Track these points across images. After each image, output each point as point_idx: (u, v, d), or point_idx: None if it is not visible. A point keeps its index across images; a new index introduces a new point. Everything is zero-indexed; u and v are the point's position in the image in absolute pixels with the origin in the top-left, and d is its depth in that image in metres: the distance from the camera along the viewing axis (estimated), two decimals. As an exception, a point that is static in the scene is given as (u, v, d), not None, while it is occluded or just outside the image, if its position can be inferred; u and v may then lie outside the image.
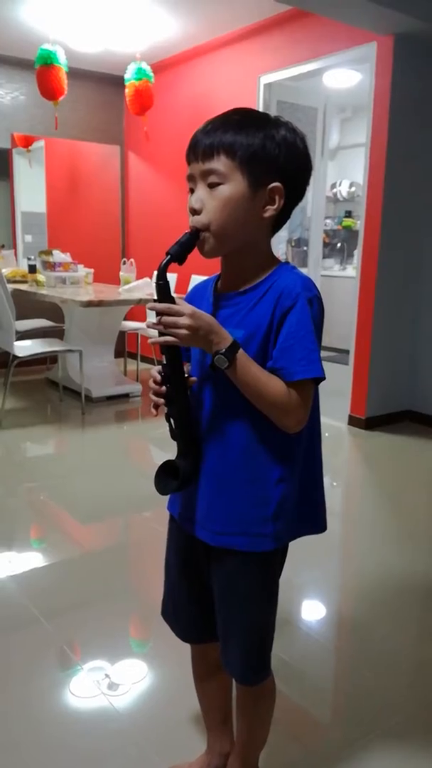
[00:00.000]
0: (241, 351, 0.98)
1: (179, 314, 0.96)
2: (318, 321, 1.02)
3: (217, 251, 1.03)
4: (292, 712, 1.61)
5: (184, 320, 0.96)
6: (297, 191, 1.05)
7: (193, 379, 1.07)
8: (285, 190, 1.01)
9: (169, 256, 0.99)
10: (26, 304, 4.65)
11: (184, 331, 0.96)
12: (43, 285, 4.76)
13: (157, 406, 1.06)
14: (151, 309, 0.98)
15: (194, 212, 1.01)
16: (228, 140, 0.97)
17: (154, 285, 1.00)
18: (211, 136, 0.98)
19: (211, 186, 0.99)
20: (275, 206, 1.02)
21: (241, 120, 1.00)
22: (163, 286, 0.98)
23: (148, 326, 1.00)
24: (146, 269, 5.15)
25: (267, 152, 0.99)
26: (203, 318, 0.97)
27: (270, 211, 1.02)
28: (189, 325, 0.96)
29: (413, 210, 3.97)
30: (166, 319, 0.96)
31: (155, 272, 1.00)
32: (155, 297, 0.99)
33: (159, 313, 0.97)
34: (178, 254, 0.99)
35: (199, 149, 0.99)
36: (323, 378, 1.01)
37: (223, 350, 0.96)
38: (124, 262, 5.13)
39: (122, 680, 1.71)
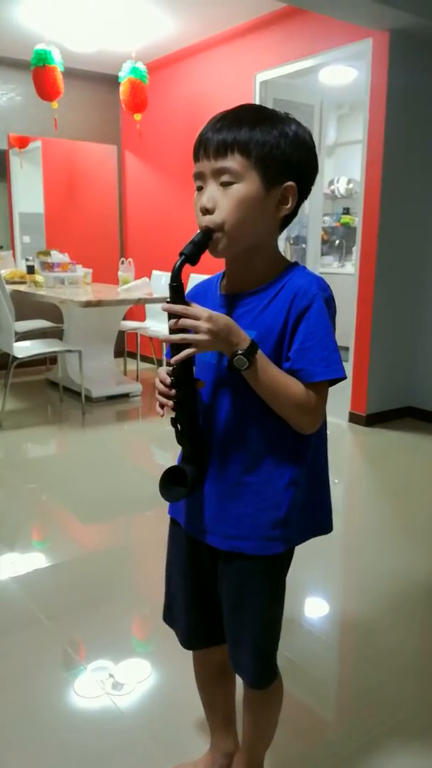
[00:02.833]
0: (260, 352, 0.96)
1: (197, 317, 0.93)
2: (334, 321, 1.01)
3: (230, 251, 1.01)
4: (296, 710, 1.61)
5: (203, 324, 0.93)
6: (306, 190, 1.03)
7: (202, 382, 1.04)
8: (297, 189, 1.00)
9: (183, 257, 0.95)
10: (25, 305, 4.65)
11: (204, 337, 0.93)
12: (42, 286, 4.76)
13: (163, 406, 1.03)
14: (167, 310, 0.95)
15: (206, 211, 0.98)
16: (243, 138, 0.94)
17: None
18: (223, 133, 0.95)
19: (224, 185, 0.96)
20: (288, 205, 1.00)
21: (254, 117, 0.97)
22: (177, 288, 0.95)
23: (169, 331, 0.97)
24: (144, 269, 5.15)
25: (282, 151, 0.96)
26: (221, 320, 0.95)
27: (284, 210, 1.00)
28: (209, 329, 0.93)
29: (411, 206, 3.96)
30: (186, 321, 0.93)
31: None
32: (167, 299, 0.96)
33: (174, 316, 0.94)
34: (193, 254, 0.96)
35: (211, 146, 0.96)
36: (344, 378, 0.99)
37: (242, 351, 0.94)
38: (123, 262, 5.12)
39: (126, 680, 1.71)
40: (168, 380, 1.01)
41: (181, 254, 0.96)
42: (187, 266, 0.97)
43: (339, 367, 0.98)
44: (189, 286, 1.06)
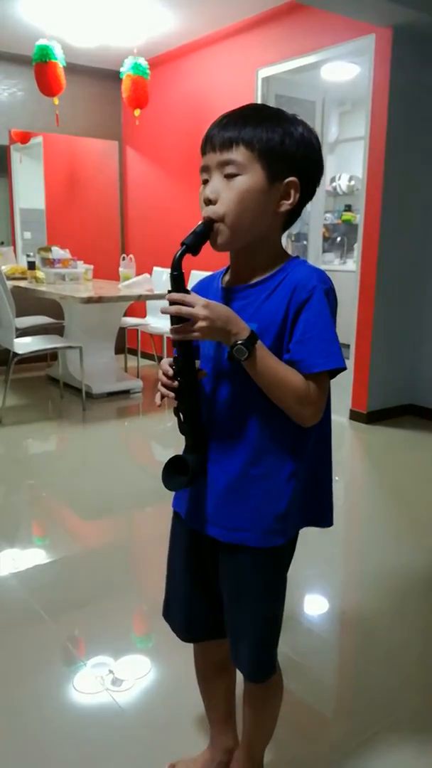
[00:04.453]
0: (259, 342, 0.97)
1: (193, 304, 0.95)
2: (334, 313, 1.01)
3: (231, 244, 1.02)
4: (296, 707, 1.61)
5: (200, 310, 0.94)
6: (309, 189, 1.04)
7: (204, 372, 1.05)
8: (300, 186, 1.01)
9: (184, 246, 0.97)
10: (26, 301, 4.64)
11: (201, 323, 0.94)
12: (43, 282, 4.75)
13: (162, 397, 1.05)
14: (168, 299, 0.96)
15: (209, 202, 0.99)
16: (248, 133, 0.97)
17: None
18: (230, 128, 0.98)
19: (228, 177, 0.98)
20: (291, 201, 1.01)
21: (260, 115, 1.00)
22: (177, 277, 0.97)
23: (162, 311, 0.99)
24: (145, 265, 5.14)
25: (286, 148, 0.98)
26: (219, 308, 0.96)
27: (285, 205, 1.01)
28: (206, 316, 0.94)
29: (413, 203, 3.95)
30: (182, 309, 0.95)
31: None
32: (168, 289, 0.98)
33: (173, 303, 0.96)
34: (194, 244, 0.97)
35: (217, 140, 0.98)
36: (344, 368, 1.00)
37: (242, 341, 0.95)
38: (124, 258, 5.12)
39: (126, 676, 1.71)
40: (170, 371, 1.03)
41: (182, 244, 0.97)
42: (188, 261, 0.97)
43: (338, 357, 0.99)
44: (191, 282, 1.06)
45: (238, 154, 0.97)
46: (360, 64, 4.62)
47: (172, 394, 1.03)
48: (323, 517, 1.16)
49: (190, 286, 1.02)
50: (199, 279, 1.17)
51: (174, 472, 1.05)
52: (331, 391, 1.05)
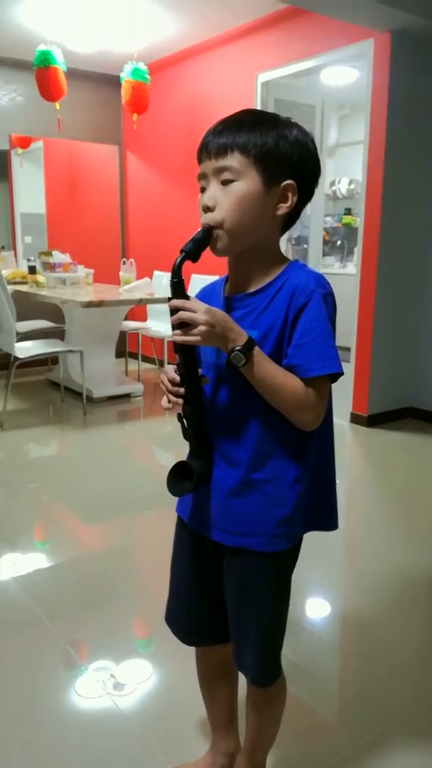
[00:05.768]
0: (257, 348, 0.98)
1: (193, 310, 0.96)
2: (333, 317, 1.01)
3: (230, 250, 1.03)
4: (298, 710, 1.61)
5: (200, 316, 0.95)
6: (307, 192, 1.05)
7: (206, 378, 1.06)
8: (297, 189, 1.02)
9: (183, 254, 0.98)
10: (26, 306, 4.65)
11: (202, 328, 0.95)
12: (43, 286, 4.76)
13: (169, 401, 1.05)
14: (169, 305, 0.98)
15: (207, 209, 1.00)
16: (242, 138, 0.98)
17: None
18: (224, 135, 0.99)
19: (225, 183, 0.99)
20: (288, 204, 1.02)
21: (254, 120, 1.01)
22: (177, 284, 0.98)
23: (172, 323, 1.00)
24: (146, 269, 5.15)
25: (280, 151, 0.99)
26: (218, 314, 0.97)
27: (283, 208, 1.02)
28: (206, 321, 0.95)
29: (413, 206, 3.96)
30: (183, 314, 0.96)
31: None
32: (169, 296, 0.98)
33: (175, 310, 0.97)
34: (193, 251, 0.98)
35: (212, 147, 0.99)
36: (341, 374, 1.00)
37: (240, 347, 0.96)
38: (124, 262, 5.13)
39: (127, 680, 1.71)
40: (174, 377, 1.03)
41: (181, 251, 0.98)
42: (189, 266, 0.98)
43: (335, 362, 0.99)
44: (192, 288, 1.07)
45: (234, 160, 0.98)
46: (359, 69, 4.64)
47: (180, 401, 1.03)
48: (328, 521, 1.16)
49: (192, 291, 1.03)
50: (202, 287, 1.18)
51: (179, 477, 1.05)
52: (332, 395, 1.06)
